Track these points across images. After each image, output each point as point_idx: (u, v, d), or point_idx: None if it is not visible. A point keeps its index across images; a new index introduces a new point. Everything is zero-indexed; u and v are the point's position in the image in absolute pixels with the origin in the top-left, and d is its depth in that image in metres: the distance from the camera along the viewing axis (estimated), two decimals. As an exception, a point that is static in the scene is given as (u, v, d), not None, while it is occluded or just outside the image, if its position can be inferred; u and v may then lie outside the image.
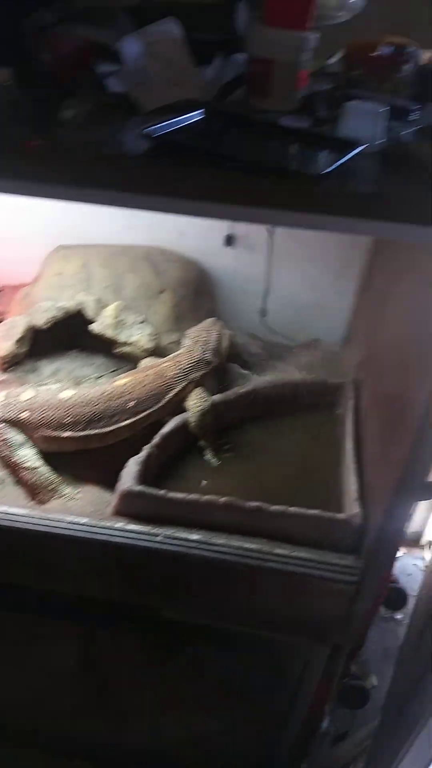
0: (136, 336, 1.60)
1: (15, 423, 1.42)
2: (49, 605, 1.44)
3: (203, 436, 1.47)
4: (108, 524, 1.26)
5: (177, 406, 1.49)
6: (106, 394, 1.44)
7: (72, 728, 1.82)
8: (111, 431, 1.43)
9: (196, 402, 1.46)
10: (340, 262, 1.78)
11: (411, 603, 2.36)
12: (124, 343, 1.60)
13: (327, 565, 1.19)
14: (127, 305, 1.63)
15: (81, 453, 1.46)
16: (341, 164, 0.77)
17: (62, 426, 1.42)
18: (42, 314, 1.61)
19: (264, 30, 0.95)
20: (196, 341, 1.57)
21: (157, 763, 1.83)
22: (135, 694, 1.68)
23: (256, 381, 1.61)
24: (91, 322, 1.62)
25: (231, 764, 1.80)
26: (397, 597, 2.26)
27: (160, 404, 1.47)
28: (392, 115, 0.96)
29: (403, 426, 0.98)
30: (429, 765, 1.39)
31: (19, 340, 1.61)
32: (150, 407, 1.46)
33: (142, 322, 1.61)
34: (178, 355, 1.54)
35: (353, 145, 0.79)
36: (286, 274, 1.84)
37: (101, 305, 1.62)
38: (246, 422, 1.58)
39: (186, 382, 1.49)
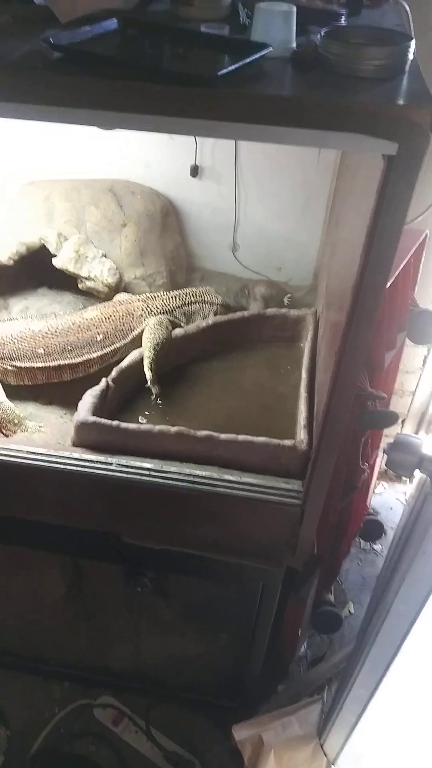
0: (97, 270, 1.59)
1: None
2: (27, 534, 1.50)
3: (150, 365, 1.45)
4: (64, 453, 1.28)
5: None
6: (75, 325, 1.47)
7: (59, 653, 1.92)
8: (82, 362, 1.47)
9: (153, 331, 1.47)
10: (306, 193, 1.73)
11: (390, 535, 2.41)
12: (87, 278, 1.60)
13: (273, 490, 1.21)
14: (89, 239, 1.61)
15: (49, 385, 1.49)
16: (244, 69, 0.74)
17: (35, 357, 1.44)
18: (5, 250, 1.60)
19: None
20: (179, 296, 1.57)
21: (140, 684, 1.93)
22: (114, 619, 1.76)
23: (217, 317, 1.60)
24: (55, 257, 1.62)
25: (207, 685, 1.90)
26: (374, 528, 2.30)
27: (126, 340, 1.49)
28: (320, 20, 0.92)
29: (334, 349, 0.98)
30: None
31: (-16, 278, 1.62)
32: (117, 341, 1.49)
33: (103, 256, 1.60)
34: (153, 297, 1.55)
35: (259, 48, 0.76)
36: (254, 206, 1.80)
37: (63, 239, 1.61)
38: (210, 356, 1.59)
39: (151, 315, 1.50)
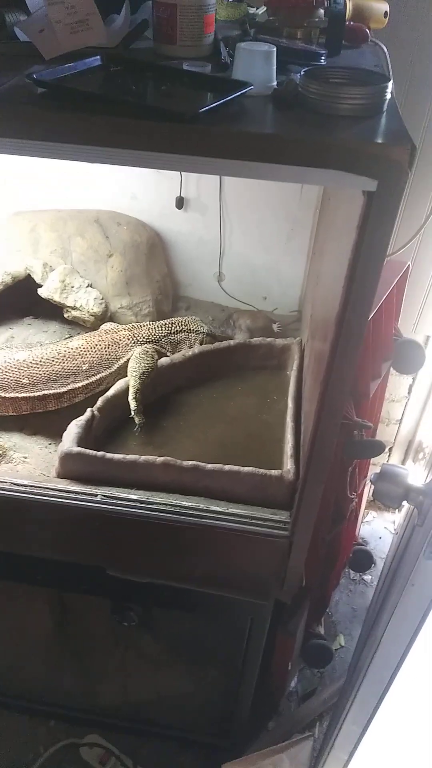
0: (83, 300, 1.59)
1: None
2: (10, 567, 1.46)
3: (134, 394, 1.43)
4: (48, 485, 1.27)
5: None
6: (60, 354, 1.46)
7: (45, 690, 1.87)
8: (66, 392, 1.46)
9: (139, 361, 1.47)
10: (290, 225, 1.76)
11: (380, 566, 2.39)
12: (73, 307, 1.60)
13: (260, 521, 1.20)
14: (75, 269, 1.62)
15: (34, 416, 1.48)
16: (225, 106, 0.75)
17: (19, 387, 1.43)
18: (-10, 281, 1.61)
19: (167, -27, 0.93)
20: (165, 326, 1.58)
21: (127, 722, 1.88)
22: (102, 654, 1.72)
23: (204, 346, 1.60)
24: (41, 287, 1.62)
25: (196, 722, 1.84)
26: (363, 559, 2.28)
27: (112, 369, 1.49)
28: (300, 59, 0.94)
29: (320, 378, 0.98)
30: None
31: (-32, 308, 1.61)
32: (102, 371, 1.48)
33: (88, 286, 1.60)
34: (139, 326, 1.55)
35: (240, 86, 0.77)
36: (239, 237, 1.83)
37: (48, 269, 1.61)
38: (196, 385, 1.58)
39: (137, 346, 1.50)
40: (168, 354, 1.55)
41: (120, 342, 1.51)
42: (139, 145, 0.73)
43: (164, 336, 1.56)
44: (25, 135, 0.76)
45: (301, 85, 0.78)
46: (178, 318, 1.62)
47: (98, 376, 1.48)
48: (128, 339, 1.51)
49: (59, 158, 0.78)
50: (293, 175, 0.76)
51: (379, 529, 2.56)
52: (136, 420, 1.41)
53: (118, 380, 1.48)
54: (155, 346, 1.54)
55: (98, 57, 0.88)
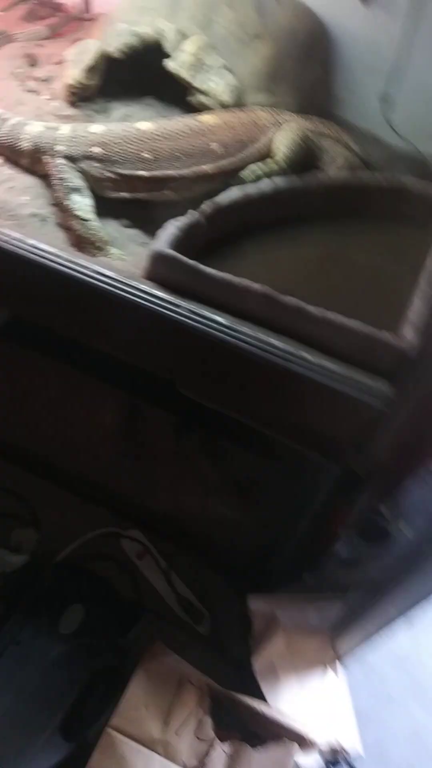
0: (214, 83, 1.33)
1: (84, 159, 1.27)
2: (88, 360, 1.44)
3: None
4: (132, 282, 1.15)
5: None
6: (188, 127, 1.27)
7: (103, 480, 1.97)
8: (191, 175, 1.28)
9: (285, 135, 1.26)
10: None
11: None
12: (199, 90, 1.35)
13: (352, 381, 1.04)
14: (213, 44, 1.34)
15: (138, 206, 1.32)
16: None
17: (139, 161, 1.26)
18: (115, 38, 1.37)
19: None
20: (314, 123, 1.32)
21: (171, 529, 1.97)
22: (161, 466, 1.74)
23: (347, 174, 1.33)
24: (169, 57, 1.37)
25: (236, 552, 1.90)
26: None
27: (244, 153, 1.28)
28: None
29: None
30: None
31: (90, 69, 1.39)
32: (233, 154, 1.28)
33: (224, 68, 1.33)
34: (283, 112, 1.31)
35: None
36: (426, 53, 1.42)
37: (182, 39, 1.35)
38: (326, 218, 1.35)
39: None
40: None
41: (259, 122, 1.28)
42: None
43: (311, 130, 1.31)
44: None
45: None
46: (331, 123, 1.33)
47: (228, 160, 1.28)
48: (269, 121, 1.28)
49: None
50: None
51: None
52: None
53: (250, 169, 1.27)
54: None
55: None
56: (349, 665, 1.74)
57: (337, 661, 1.71)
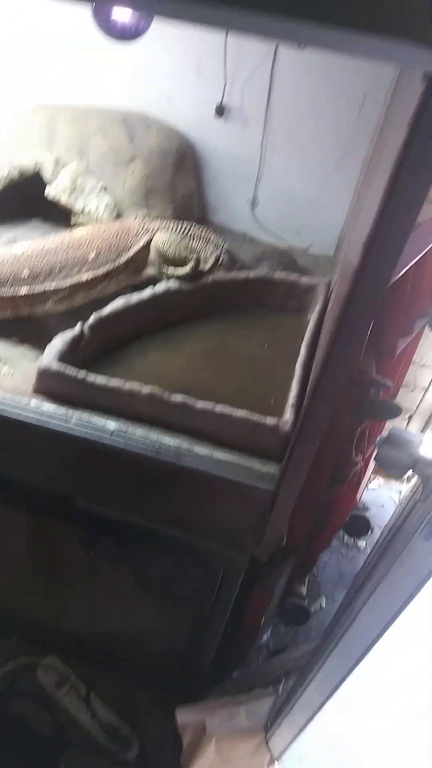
0: (93, 205, 1.43)
1: None
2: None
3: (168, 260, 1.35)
4: (21, 402, 1.16)
5: (137, 268, 1.36)
6: (65, 242, 1.32)
7: (12, 606, 1.84)
8: (70, 287, 1.32)
9: (160, 237, 1.34)
10: (342, 149, 1.55)
11: (377, 534, 2.29)
12: (81, 212, 1.44)
13: (245, 470, 1.08)
14: (90, 170, 1.46)
15: (26, 322, 1.35)
16: None
17: (18, 281, 1.30)
18: (-4, 173, 1.45)
19: None
20: (182, 228, 1.41)
21: (88, 650, 1.85)
22: (70, 580, 1.67)
23: (220, 274, 1.45)
24: (49, 185, 1.46)
25: (158, 661, 1.81)
26: (360, 524, 2.18)
27: (120, 261, 1.34)
28: None
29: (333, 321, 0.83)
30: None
31: (-28, 199, 1.47)
32: (110, 261, 1.34)
33: (103, 190, 1.44)
34: (152, 219, 1.39)
35: None
36: (281, 158, 1.63)
37: (61, 167, 1.45)
38: (206, 317, 1.44)
39: (150, 237, 1.36)
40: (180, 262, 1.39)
41: (131, 230, 1.35)
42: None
43: (179, 238, 1.39)
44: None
45: None
46: (198, 225, 1.44)
47: (106, 268, 1.33)
48: (140, 228, 1.36)
49: None
50: (330, 39, 0.57)
51: (383, 497, 2.45)
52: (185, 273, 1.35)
53: (125, 278, 1.34)
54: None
55: None
56: (286, 763, 1.67)
57: (275, 763, 1.63)
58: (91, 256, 1.31)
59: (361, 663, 1.29)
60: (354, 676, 1.34)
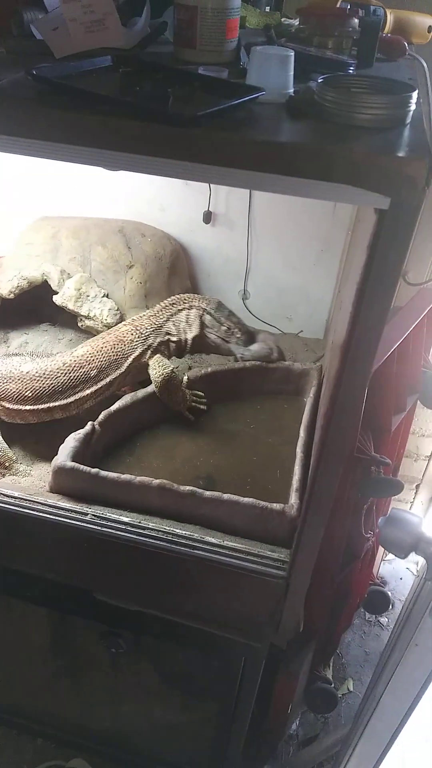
0: (97, 310, 1.55)
1: None
2: (4, 580, 1.42)
3: (170, 402, 1.43)
4: (39, 499, 1.22)
5: (139, 370, 1.44)
6: (66, 365, 1.40)
7: (37, 707, 1.81)
8: (74, 401, 1.40)
9: (156, 370, 1.41)
10: (321, 245, 1.68)
11: (398, 608, 2.25)
12: (86, 317, 1.56)
13: (256, 558, 1.12)
14: (92, 278, 1.58)
15: (41, 423, 1.44)
16: (232, 111, 0.69)
17: (23, 400, 1.39)
18: (7, 283, 1.58)
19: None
20: (164, 308, 1.49)
21: (114, 750, 1.80)
22: (95, 677, 1.65)
23: (217, 365, 1.53)
24: (57, 293, 1.59)
25: (186, 757, 1.75)
26: (380, 600, 2.15)
27: (120, 370, 1.43)
28: (327, 70, 0.87)
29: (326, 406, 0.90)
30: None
31: (-16, 310, 1.59)
32: (111, 373, 1.42)
33: (104, 296, 1.56)
34: (139, 317, 1.48)
35: (250, 91, 0.71)
36: (267, 255, 1.76)
37: (66, 277, 1.58)
38: (211, 404, 1.52)
39: (145, 347, 1.44)
40: (175, 338, 1.47)
41: (125, 339, 1.44)
42: (133, 148, 0.67)
43: (166, 320, 1.46)
44: (18, 132, 0.72)
45: (317, 92, 0.72)
46: (177, 296, 1.51)
47: (108, 379, 1.42)
48: (132, 333, 1.44)
49: (53, 158, 0.73)
50: (295, 188, 0.69)
51: (400, 569, 2.42)
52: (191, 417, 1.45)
53: (131, 378, 1.42)
54: (161, 339, 1.46)
55: (108, 57, 0.83)
56: None
57: None
58: (93, 373, 1.40)
59: (391, 750, 1.26)
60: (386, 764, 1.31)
